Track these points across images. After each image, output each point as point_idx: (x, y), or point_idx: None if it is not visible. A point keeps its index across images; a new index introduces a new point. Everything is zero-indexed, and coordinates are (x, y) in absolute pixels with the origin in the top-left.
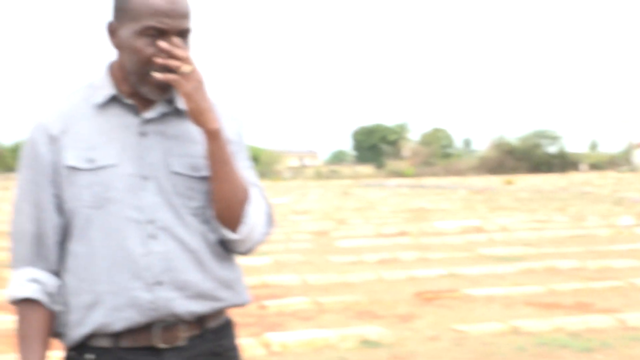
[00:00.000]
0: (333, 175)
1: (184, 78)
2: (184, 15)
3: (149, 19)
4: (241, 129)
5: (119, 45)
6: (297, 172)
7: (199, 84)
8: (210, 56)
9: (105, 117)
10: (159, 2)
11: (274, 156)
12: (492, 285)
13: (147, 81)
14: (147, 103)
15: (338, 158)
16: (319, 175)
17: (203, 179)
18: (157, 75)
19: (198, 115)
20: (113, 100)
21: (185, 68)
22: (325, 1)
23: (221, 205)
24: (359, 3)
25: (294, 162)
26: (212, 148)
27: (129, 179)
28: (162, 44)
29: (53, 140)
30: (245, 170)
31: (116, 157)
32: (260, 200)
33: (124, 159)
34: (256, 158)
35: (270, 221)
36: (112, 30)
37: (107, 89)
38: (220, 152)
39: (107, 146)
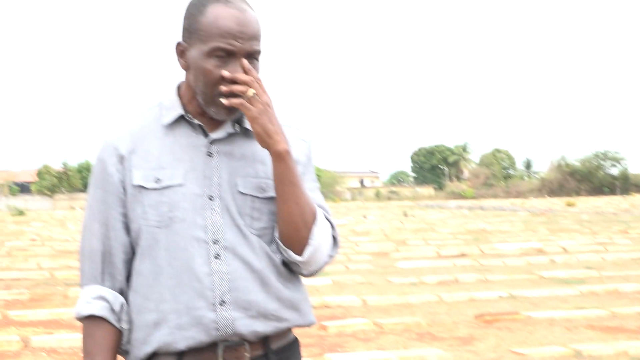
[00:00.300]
0: (393, 196)
1: (249, 101)
2: (253, 38)
3: (217, 40)
4: (310, 151)
5: (187, 66)
6: (358, 193)
7: (266, 106)
8: (275, 77)
9: (173, 137)
10: (228, 24)
11: (335, 177)
12: (553, 308)
13: (215, 102)
14: (215, 123)
15: (398, 179)
16: (379, 196)
17: (269, 199)
18: (223, 101)
19: (265, 138)
20: (181, 120)
21: (249, 92)
22: (383, 24)
23: (287, 227)
24: (418, 26)
25: (354, 183)
26: (279, 169)
27: (195, 198)
28: (225, 73)
29: (121, 159)
30: (312, 191)
31: (183, 176)
32: (325, 223)
33: (191, 178)
34: (317, 179)
35: (335, 244)
36: (181, 51)
37: (176, 109)
38: (288, 173)
39: (174, 166)
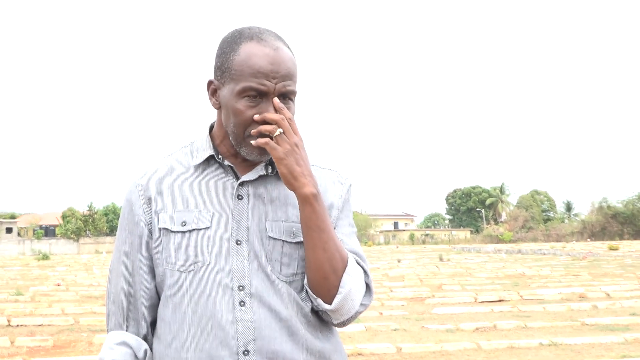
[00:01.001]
0: (428, 239)
1: (276, 141)
2: (287, 77)
3: (249, 79)
4: (347, 194)
5: (219, 105)
6: (391, 236)
7: (293, 146)
8: (307, 118)
9: (202, 179)
10: (261, 63)
11: (368, 220)
12: (597, 356)
13: (246, 143)
14: (248, 164)
15: (433, 222)
16: (413, 240)
17: (300, 244)
18: (252, 142)
19: (291, 180)
20: (212, 161)
21: (276, 131)
22: (418, 63)
23: (315, 274)
24: (453, 66)
25: (387, 226)
26: (305, 213)
27: (221, 242)
28: (255, 116)
29: (149, 201)
30: (347, 236)
31: (210, 219)
32: (358, 270)
33: (218, 221)
34: None
35: (369, 292)
36: (213, 90)
37: (206, 150)
38: (314, 218)
39: (202, 208)
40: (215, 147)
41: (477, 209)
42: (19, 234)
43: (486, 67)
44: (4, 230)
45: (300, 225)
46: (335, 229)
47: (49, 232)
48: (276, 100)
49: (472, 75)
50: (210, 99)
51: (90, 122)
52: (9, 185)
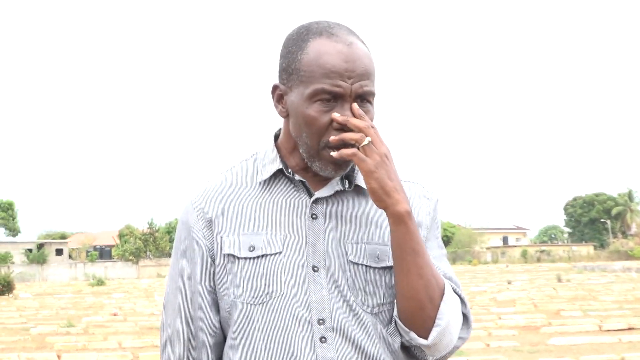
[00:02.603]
0: (543, 256)
1: (364, 152)
2: (364, 76)
3: (321, 80)
4: (435, 211)
5: (286, 112)
6: (500, 253)
7: (383, 157)
8: (400, 122)
9: (269, 196)
10: (334, 61)
11: (472, 235)
12: None
13: (321, 155)
14: (321, 179)
15: (549, 236)
16: (526, 257)
17: (386, 270)
18: (332, 154)
19: (383, 196)
20: (280, 176)
21: (364, 140)
22: (527, 62)
23: (408, 304)
24: (565, 65)
25: (495, 241)
26: (398, 234)
27: (296, 269)
28: (335, 115)
29: (209, 223)
30: (437, 260)
31: (282, 243)
32: (455, 298)
33: (291, 245)
34: (449, 238)
35: (467, 323)
36: (279, 95)
37: (273, 164)
38: (409, 239)
39: (271, 230)
40: (283, 160)
41: (602, 220)
42: (70, 256)
43: (609, 62)
44: (54, 252)
45: (385, 247)
46: None
47: (104, 253)
48: (355, 106)
49: (594, 70)
50: (276, 106)
51: (148, 130)
52: (59, 202)
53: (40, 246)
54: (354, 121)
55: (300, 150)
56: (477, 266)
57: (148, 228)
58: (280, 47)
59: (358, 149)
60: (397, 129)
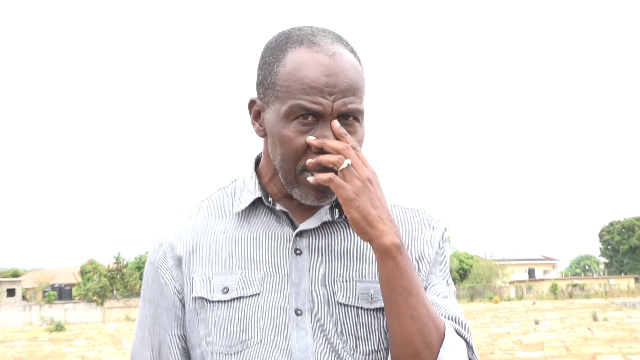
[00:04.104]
0: (576, 291)
1: (343, 177)
2: (349, 92)
3: (298, 97)
4: (441, 242)
5: (264, 131)
6: (526, 288)
7: (366, 182)
8: (413, 145)
9: (248, 230)
10: (313, 75)
11: (493, 267)
12: None
13: (299, 181)
14: (306, 208)
15: (583, 267)
16: (556, 293)
17: (382, 311)
18: (309, 179)
19: (365, 227)
20: (259, 205)
21: (343, 163)
22: (557, 80)
23: (401, 351)
24: (595, 84)
25: (520, 274)
26: (385, 271)
27: (276, 313)
28: (310, 138)
29: (178, 262)
30: (442, 298)
31: (259, 283)
32: (459, 342)
33: (271, 285)
34: (466, 271)
35: None
36: (256, 112)
37: (251, 192)
38: (398, 276)
39: (248, 269)
40: (263, 187)
41: None
42: (24, 297)
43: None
44: (4, 293)
45: (379, 285)
46: (426, 288)
47: (63, 293)
48: (336, 124)
49: (628, 84)
50: (253, 124)
51: (113, 151)
52: (10, 235)
53: None
54: (331, 143)
55: (279, 176)
56: (499, 303)
57: (114, 263)
58: (259, 56)
59: (337, 173)
60: (414, 150)
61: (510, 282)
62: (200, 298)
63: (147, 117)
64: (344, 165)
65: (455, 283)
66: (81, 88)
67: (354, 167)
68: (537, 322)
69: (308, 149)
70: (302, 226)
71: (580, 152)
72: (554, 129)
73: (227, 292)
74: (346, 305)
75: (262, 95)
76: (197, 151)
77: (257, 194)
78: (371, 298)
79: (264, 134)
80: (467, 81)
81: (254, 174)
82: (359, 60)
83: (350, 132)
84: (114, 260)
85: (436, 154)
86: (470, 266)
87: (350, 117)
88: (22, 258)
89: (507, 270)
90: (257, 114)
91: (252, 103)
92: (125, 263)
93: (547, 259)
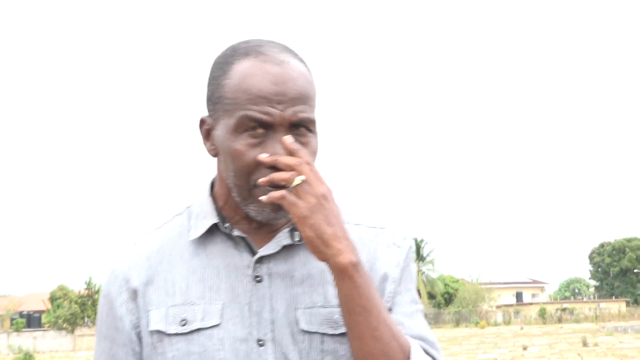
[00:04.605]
0: (565, 316)
1: (296, 194)
2: (299, 101)
3: (246, 108)
4: (406, 260)
5: (216, 150)
6: (513, 312)
7: (320, 199)
8: (393, 165)
9: (205, 257)
10: (261, 84)
11: (478, 291)
12: None
13: (253, 196)
14: (266, 231)
15: (572, 291)
16: (544, 317)
17: (347, 336)
18: (261, 199)
19: (320, 246)
20: (216, 231)
21: (295, 180)
22: (539, 98)
23: None
24: (583, 94)
25: (507, 298)
26: (343, 291)
27: (237, 344)
28: (262, 156)
29: (134, 295)
30: (408, 317)
31: (219, 314)
32: None
33: (231, 316)
34: (451, 295)
35: None
36: (207, 130)
37: (207, 217)
38: (357, 296)
39: (207, 299)
40: (219, 212)
41: (635, 271)
42: None
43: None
44: None
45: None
46: (392, 308)
47: (32, 321)
48: (288, 139)
49: (618, 98)
50: (204, 143)
51: (82, 172)
52: None
53: None
54: (283, 159)
55: (234, 194)
56: (486, 328)
57: (85, 289)
58: (208, 72)
59: (290, 191)
60: (398, 170)
61: (497, 307)
62: (158, 331)
63: (113, 143)
64: (297, 182)
65: (440, 307)
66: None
67: (308, 183)
68: (525, 348)
69: (260, 163)
70: (261, 252)
71: (570, 172)
72: (543, 149)
73: (185, 324)
74: (310, 332)
75: (211, 112)
76: (168, 174)
77: (213, 219)
78: (336, 323)
79: (215, 153)
80: (453, 100)
81: (209, 198)
82: (309, 70)
83: (303, 143)
84: (85, 286)
85: (421, 175)
86: (456, 290)
87: (302, 127)
88: None
89: (493, 294)
90: (207, 133)
91: (202, 122)
92: (96, 288)
93: (535, 282)
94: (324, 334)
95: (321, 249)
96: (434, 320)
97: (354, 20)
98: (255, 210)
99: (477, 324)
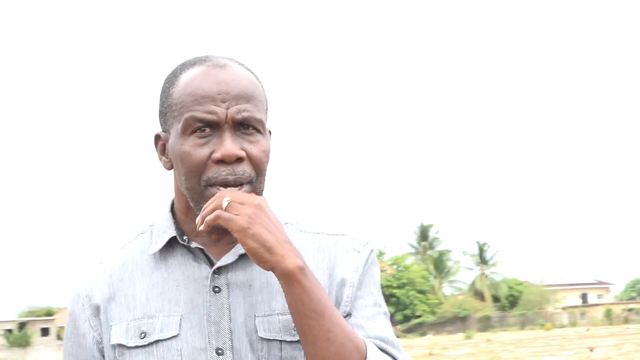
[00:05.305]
0: (632, 316)
1: (229, 210)
2: (242, 99)
3: (192, 109)
4: (367, 265)
5: (170, 162)
6: (579, 314)
7: (256, 209)
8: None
9: (165, 271)
10: (204, 84)
11: (542, 293)
12: None
13: (206, 197)
14: (225, 242)
15: (638, 291)
16: (610, 318)
17: None
18: (200, 229)
19: (264, 254)
20: (176, 245)
21: (223, 202)
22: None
23: None
24: None
25: (573, 299)
26: (292, 296)
27: (196, 354)
28: (215, 155)
29: (96, 312)
30: (368, 320)
31: (178, 325)
32: None
33: (190, 326)
34: (516, 298)
35: None
36: (162, 146)
37: (166, 232)
38: (307, 299)
39: (166, 311)
40: (178, 226)
41: None
42: (59, 337)
43: None
44: (39, 332)
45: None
46: (352, 312)
47: None
48: (229, 140)
49: None
50: (160, 159)
51: (62, 195)
52: (43, 271)
53: (22, 325)
54: (205, 210)
55: (188, 201)
56: (552, 330)
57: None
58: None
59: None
60: (456, 174)
61: (563, 308)
62: (119, 345)
63: (79, 167)
64: (226, 204)
65: (504, 310)
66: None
67: (237, 200)
68: (591, 350)
69: (209, 161)
70: (219, 262)
71: (634, 171)
72: (607, 148)
73: (144, 336)
74: (269, 340)
75: (163, 125)
76: (148, 195)
77: (172, 233)
78: (294, 330)
79: (170, 166)
80: (515, 102)
81: (169, 214)
82: (256, 77)
83: (251, 142)
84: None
85: (485, 179)
86: (521, 292)
87: (250, 127)
88: (56, 295)
89: (558, 296)
90: (163, 148)
91: (157, 138)
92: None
93: (600, 282)
94: (282, 341)
95: (266, 258)
96: (499, 324)
97: (355, 21)
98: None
99: (542, 326)
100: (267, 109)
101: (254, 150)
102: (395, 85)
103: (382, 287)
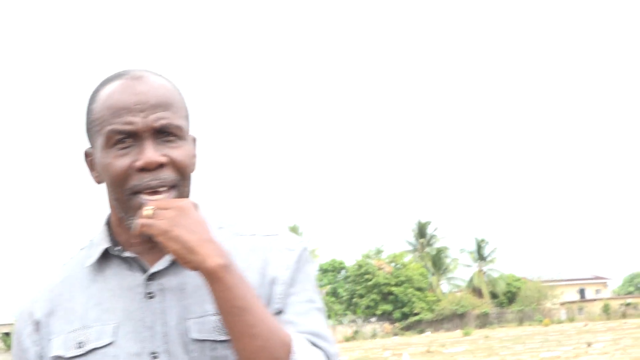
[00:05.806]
0: (630, 311)
1: (153, 216)
2: (160, 107)
3: (111, 121)
4: (299, 262)
5: (99, 175)
6: (577, 309)
7: (178, 211)
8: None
9: (102, 282)
10: (121, 97)
11: (542, 289)
12: None
13: (133, 206)
14: (158, 250)
15: (636, 286)
16: (608, 313)
17: None
18: (134, 234)
19: (187, 255)
20: (110, 256)
21: (145, 211)
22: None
23: None
24: None
25: (571, 295)
26: (216, 294)
27: (131, 359)
28: (137, 163)
29: (37, 326)
30: (301, 315)
31: (113, 332)
32: (314, 353)
33: (125, 333)
34: (513, 294)
35: None
36: (90, 161)
37: (101, 244)
38: (231, 296)
39: (102, 320)
40: (112, 237)
41: None
42: None
43: None
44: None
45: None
46: (284, 309)
47: None
48: (150, 147)
49: None
50: (91, 174)
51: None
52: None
53: None
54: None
55: (117, 212)
56: (549, 326)
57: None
58: None
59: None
60: (451, 170)
61: (561, 304)
62: (58, 357)
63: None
64: (149, 212)
65: (502, 307)
66: None
67: (161, 206)
68: (589, 345)
69: (131, 170)
70: (152, 269)
71: (631, 167)
72: (604, 144)
73: (81, 346)
74: (201, 340)
75: (89, 141)
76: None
77: (106, 244)
78: (225, 330)
79: (100, 180)
80: (516, 100)
81: (105, 226)
82: (174, 85)
83: (172, 148)
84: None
85: (481, 175)
86: (518, 288)
87: (171, 135)
88: None
89: (556, 292)
90: (91, 164)
91: (86, 155)
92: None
93: (598, 278)
94: (214, 341)
95: (189, 258)
96: (497, 320)
97: (355, 21)
98: (135, 223)
99: (540, 321)
100: (187, 115)
101: (176, 154)
102: (393, 84)
103: (381, 284)
